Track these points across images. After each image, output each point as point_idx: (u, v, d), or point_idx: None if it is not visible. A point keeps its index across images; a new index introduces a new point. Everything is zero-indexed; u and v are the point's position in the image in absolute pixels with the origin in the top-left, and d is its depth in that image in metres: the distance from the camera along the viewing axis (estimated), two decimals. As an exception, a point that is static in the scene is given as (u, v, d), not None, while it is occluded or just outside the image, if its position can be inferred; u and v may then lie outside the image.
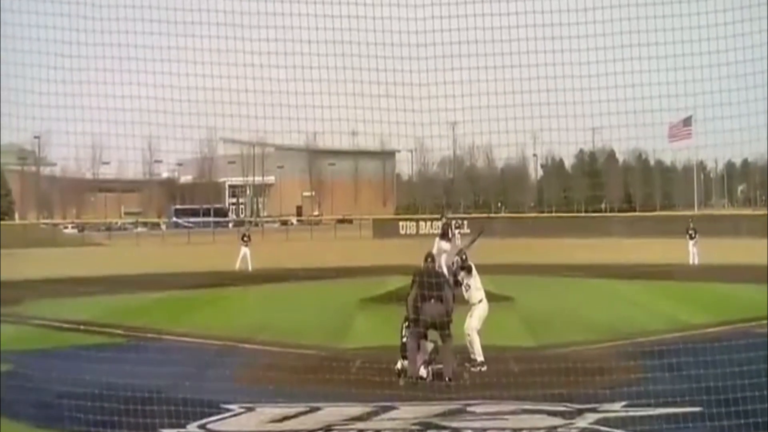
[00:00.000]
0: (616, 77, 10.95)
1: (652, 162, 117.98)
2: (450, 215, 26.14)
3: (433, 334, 11.76)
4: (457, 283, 12.46)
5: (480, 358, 12.27)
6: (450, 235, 23.66)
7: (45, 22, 10.25)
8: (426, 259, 12.30)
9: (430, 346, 11.81)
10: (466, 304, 12.64)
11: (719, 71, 10.64)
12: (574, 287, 25.41)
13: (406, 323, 11.88)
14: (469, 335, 12.37)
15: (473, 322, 12.45)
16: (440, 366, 11.72)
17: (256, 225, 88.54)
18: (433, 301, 11.60)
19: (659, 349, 12.11)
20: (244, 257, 34.23)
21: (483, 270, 13.20)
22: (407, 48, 10.36)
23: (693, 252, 33.57)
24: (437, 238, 22.95)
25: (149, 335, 16.59)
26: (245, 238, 35.29)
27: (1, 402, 10.11)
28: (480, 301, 12.67)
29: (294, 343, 14.91)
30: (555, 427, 9.10)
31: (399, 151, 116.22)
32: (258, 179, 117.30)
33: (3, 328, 16.45)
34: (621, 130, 11.77)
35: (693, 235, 33.97)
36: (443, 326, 11.70)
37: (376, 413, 9.74)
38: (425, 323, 11.65)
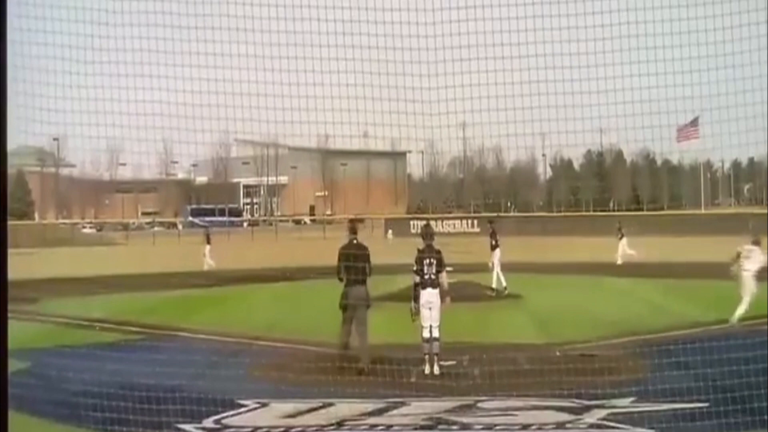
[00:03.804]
0: (624, 80, 11.09)
1: (659, 162, 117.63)
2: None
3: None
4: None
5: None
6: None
7: (62, 29, 10.48)
8: (350, 232, 13.03)
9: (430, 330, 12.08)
10: None
11: (726, 74, 10.77)
12: (582, 285, 25.52)
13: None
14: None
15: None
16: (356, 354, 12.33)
17: (270, 224, 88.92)
18: (357, 285, 12.47)
19: (667, 345, 12.23)
20: (208, 255, 34.91)
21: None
22: (417, 52, 10.53)
23: (623, 251, 33.32)
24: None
25: (165, 333, 16.86)
26: (207, 239, 36.04)
27: (20, 399, 10.34)
28: None
29: (306, 340, 15.11)
30: (564, 423, 9.25)
31: (410, 151, 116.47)
32: (272, 179, 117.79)
33: (22, 326, 16.72)
34: (629, 131, 11.89)
35: (621, 236, 33.69)
36: (362, 309, 12.45)
37: (387, 409, 9.92)
38: (351, 305, 12.44)
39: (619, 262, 32.74)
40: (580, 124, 11.62)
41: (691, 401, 9.66)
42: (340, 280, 12.77)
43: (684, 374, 10.77)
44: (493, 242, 24.27)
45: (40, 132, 11.61)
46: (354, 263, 12.49)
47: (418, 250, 12.51)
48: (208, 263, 34.48)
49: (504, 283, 22.88)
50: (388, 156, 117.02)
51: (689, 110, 12.98)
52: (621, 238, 33.65)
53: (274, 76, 10.57)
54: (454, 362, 12.36)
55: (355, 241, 12.94)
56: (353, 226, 13.71)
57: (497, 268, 23.42)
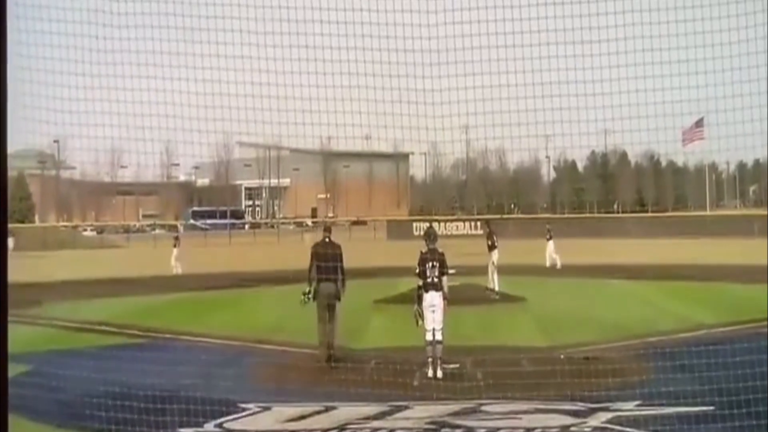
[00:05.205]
0: (629, 82, 11.05)
1: (664, 164, 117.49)
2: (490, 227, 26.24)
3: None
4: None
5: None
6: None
7: (65, 30, 10.45)
8: (324, 230, 13.77)
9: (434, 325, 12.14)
10: None
11: (732, 76, 10.72)
12: (586, 287, 25.47)
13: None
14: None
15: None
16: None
17: (272, 227, 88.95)
18: (328, 282, 12.98)
19: (671, 348, 12.19)
20: (176, 259, 34.77)
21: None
22: (420, 54, 10.51)
23: (551, 254, 33.09)
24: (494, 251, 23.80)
25: (166, 335, 16.82)
26: (175, 242, 35.96)
27: (22, 401, 10.31)
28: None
29: (309, 344, 15.05)
30: (568, 426, 9.21)
31: (413, 153, 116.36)
32: (274, 182, 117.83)
33: (24, 329, 16.68)
34: (633, 133, 11.84)
35: (549, 237, 33.49)
36: (333, 305, 13.01)
37: (390, 413, 9.88)
38: (322, 302, 12.93)
39: (548, 264, 32.53)
40: (585, 126, 11.58)
41: (696, 404, 9.60)
42: (310, 281, 13.18)
43: (687, 377, 10.72)
44: (490, 243, 24.19)
45: (47, 132, 11.59)
46: (325, 262, 13.05)
47: (421, 252, 12.45)
48: (175, 267, 34.25)
49: (497, 287, 22.83)
50: (390, 158, 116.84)
51: (694, 112, 12.95)
52: (549, 240, 33.39)
53: (277, 78, 10.55)
54: (457, 365, 12.31)
55: (327, 239, 13.51)
56: (328, 225, 14.88)
57: (493, 270, 23.41)
